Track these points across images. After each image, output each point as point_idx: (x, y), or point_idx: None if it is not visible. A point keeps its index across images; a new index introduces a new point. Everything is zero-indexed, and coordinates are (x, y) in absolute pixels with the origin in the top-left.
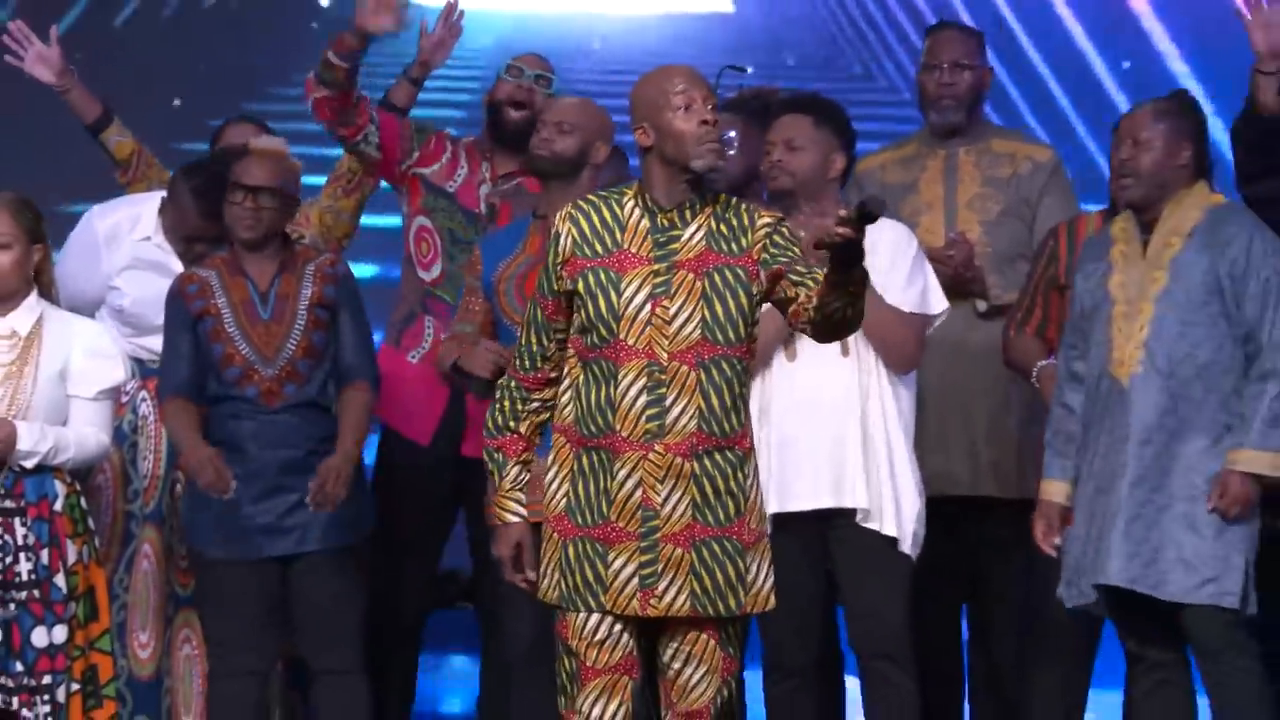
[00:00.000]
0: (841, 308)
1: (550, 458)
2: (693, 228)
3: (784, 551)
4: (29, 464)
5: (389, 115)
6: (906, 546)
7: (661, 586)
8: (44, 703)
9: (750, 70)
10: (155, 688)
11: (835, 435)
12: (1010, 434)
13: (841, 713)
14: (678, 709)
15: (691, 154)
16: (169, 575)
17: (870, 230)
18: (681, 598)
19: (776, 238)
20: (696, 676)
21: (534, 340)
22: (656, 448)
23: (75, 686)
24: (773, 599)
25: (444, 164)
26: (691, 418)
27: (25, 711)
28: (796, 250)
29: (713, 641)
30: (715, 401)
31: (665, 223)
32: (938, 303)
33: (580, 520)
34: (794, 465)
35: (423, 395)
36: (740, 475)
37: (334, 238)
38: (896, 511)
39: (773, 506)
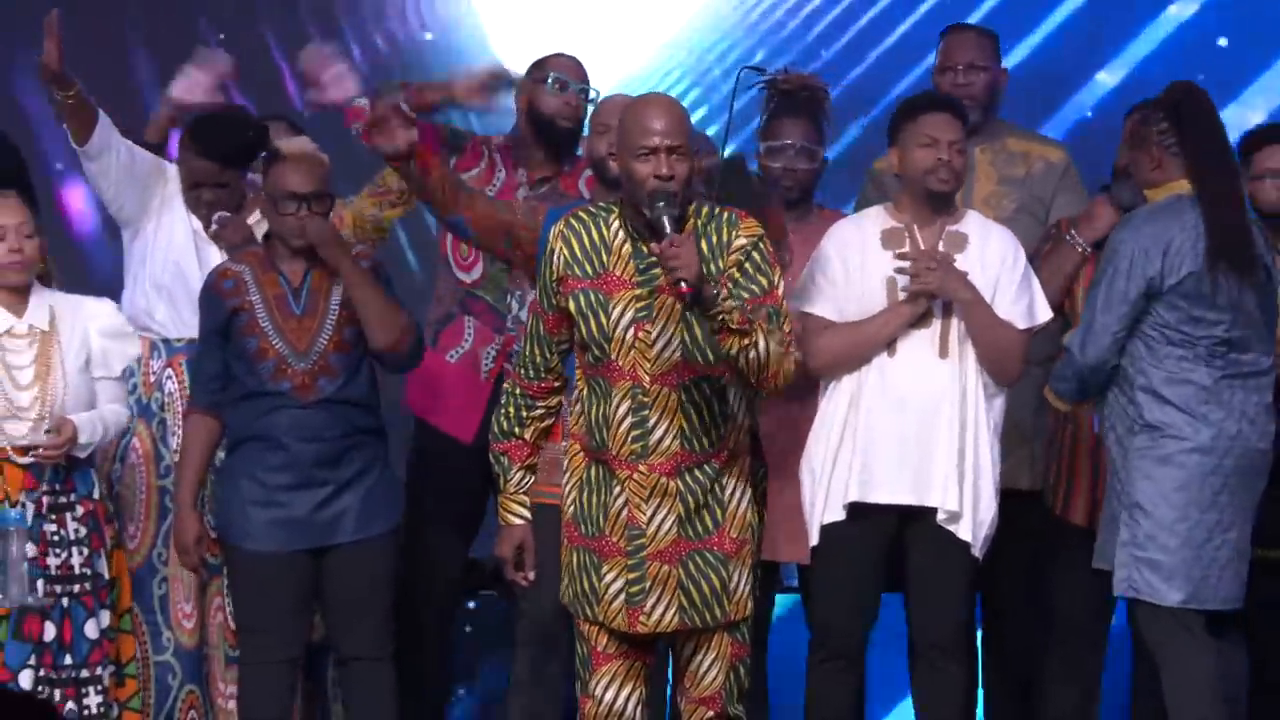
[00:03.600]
0: (729, 350)
1: (566, 462)
2: None
3: (853, 538)
4: (84, 454)
5: (425, 124)
6: (977, 550)
7: (650, 604)
8: (97, 692)
9: (767, 70)
10: (199, 657)
11: (925, 435)
12: (1023, 426)
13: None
14: (690, 694)
15: (642, 203)
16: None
17: (980, 235)
18: (670, 613)
19: (748, 265)
20: (706, 664)
21: (536, 352)
22: (641, 467)
23: (113, 669)
24: (750, 604)
25: (482, 169)
26: (674, 438)
27: (70, 705)
28: (756, 286)
29: (720, 630)
30: (696, 420)
31: (645, 248)
32: (1043, 312)
33: (582, 530)
34: (880, 459)
35: (464, 394)
36: (718, 487)
37: (367, 238)
38: (974, 517)
39: (852, 494)
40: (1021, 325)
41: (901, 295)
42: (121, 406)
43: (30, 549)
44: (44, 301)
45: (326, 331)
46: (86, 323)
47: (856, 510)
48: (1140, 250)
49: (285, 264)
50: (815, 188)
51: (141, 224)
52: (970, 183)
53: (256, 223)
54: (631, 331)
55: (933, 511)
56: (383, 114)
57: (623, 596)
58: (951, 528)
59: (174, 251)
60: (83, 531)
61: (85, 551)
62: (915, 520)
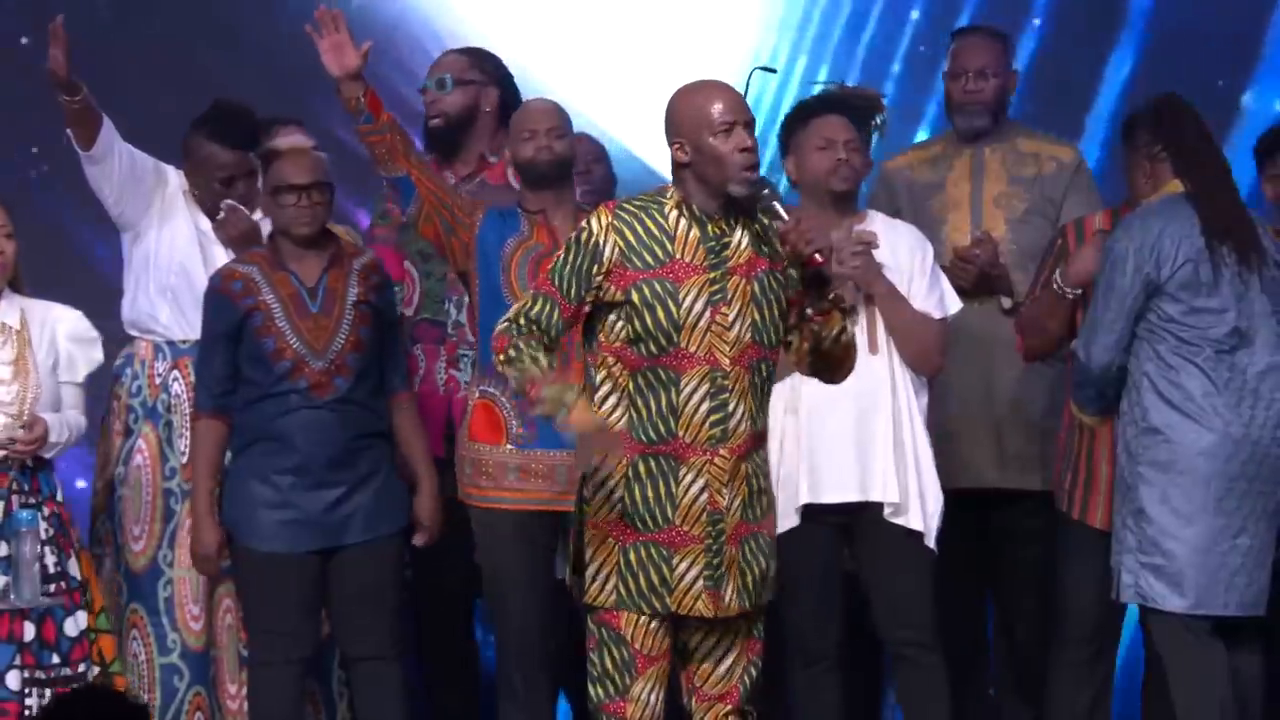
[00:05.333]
0: (828, 332)
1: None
2: (739, 232)
3: (808, 541)
4: (51, 455)
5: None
6: (930, 540)
7: (725, 587)
8: None
9: (777, 71)
10: (206, 659)
11: (865, 431)
12: (1033, 428)
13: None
14: (705, 692)
15: (731, 179)
16: None
17: (888, 234)
18: (735, 595)
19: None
20: (729, 660)
21: (534, 328)
22: (721, 452)
23: (95, 669)
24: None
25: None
26: (746, 420)
27: None
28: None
29: (745, 624)
30: (758, 402)
31: (715, 231)
32: (953, 303)
33: (642, 525)
34: (824, 459)
35: (431, 414)
36: (765, 472)
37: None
38: (923, 507)
39: (803, 497)
40: (936, 315)
41: None
42: (80, 414)
43: (3, 547)
44: (14, 303)
45: (344, 330)
46: (55, 325)
47: (807, 513)
48: (1136, 247)
49: (294, 263)
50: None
51: (142, 227)
52: (980, 183)
53: (260, 220)
54: (708, 315)
55: (879, 507)
56: (338, 38)
57: (701, 582)
58: (900, 520)
59: (178, 254)
60: (51, 531)
61: (56, 552)
62: (862, 518)
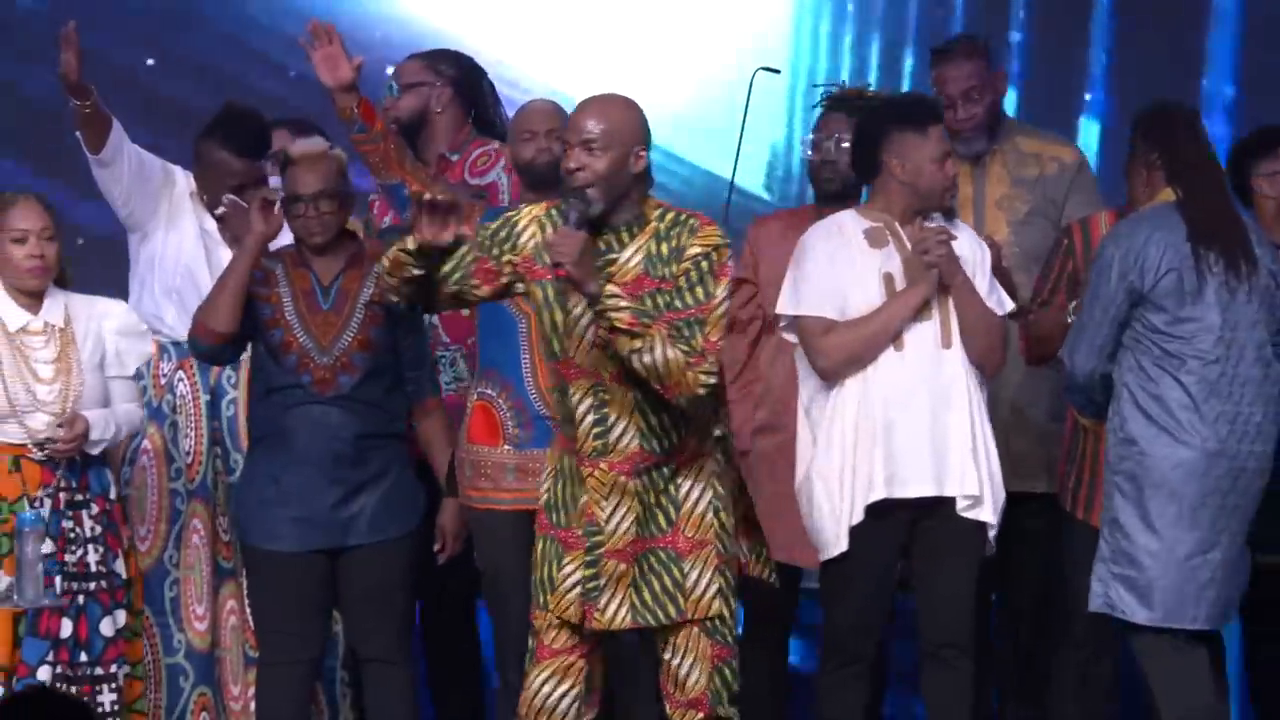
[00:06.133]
0: (621, 351)
1: (550, 452)
2: (630, 249)
3: (872, 539)
4: (95, 451)
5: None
6: (992, 535)
7: (603, 601)
8: (111, 690)
9: (781, 72)
10: (211, 658)
11: (939, 424)
12: (1038, 430)
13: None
14: (676, 699)
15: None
16: (214, 548)
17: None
18: (623, 611)
19: (692, 274)
20: (687, 666)
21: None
22: (602, 464)
23: (127, 669)
24: (716, 603)
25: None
26: (634, 437)
27: (84, 700)
28: (690, 297)
29: (697, 631)
30: (655, 421)
31: (604, 245)
32: (1009, 303)
33: (552, 518)
34: (902, 453)
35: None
36: (674, 487)
37: None
38: (993, 500)
39: (878, 493)
40: (998, 313)
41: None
42: (135, 406)
43: (48, 545)
44: (59, 300)
45: (352, 329)
46: (100, 321)
47: (876, 510)
48: (1121, 254)
49: (315, 261)
50: (860, 187)
51: (150, 229)
52: (982, 186)
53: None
54: (592, 331)
55: (946, 502)
56: (331, 51)
57: (577, 590)
58: (973, 514)
59: (185, 255)
60: (98, 530)
61: (101, 550)
62: (928, 514)
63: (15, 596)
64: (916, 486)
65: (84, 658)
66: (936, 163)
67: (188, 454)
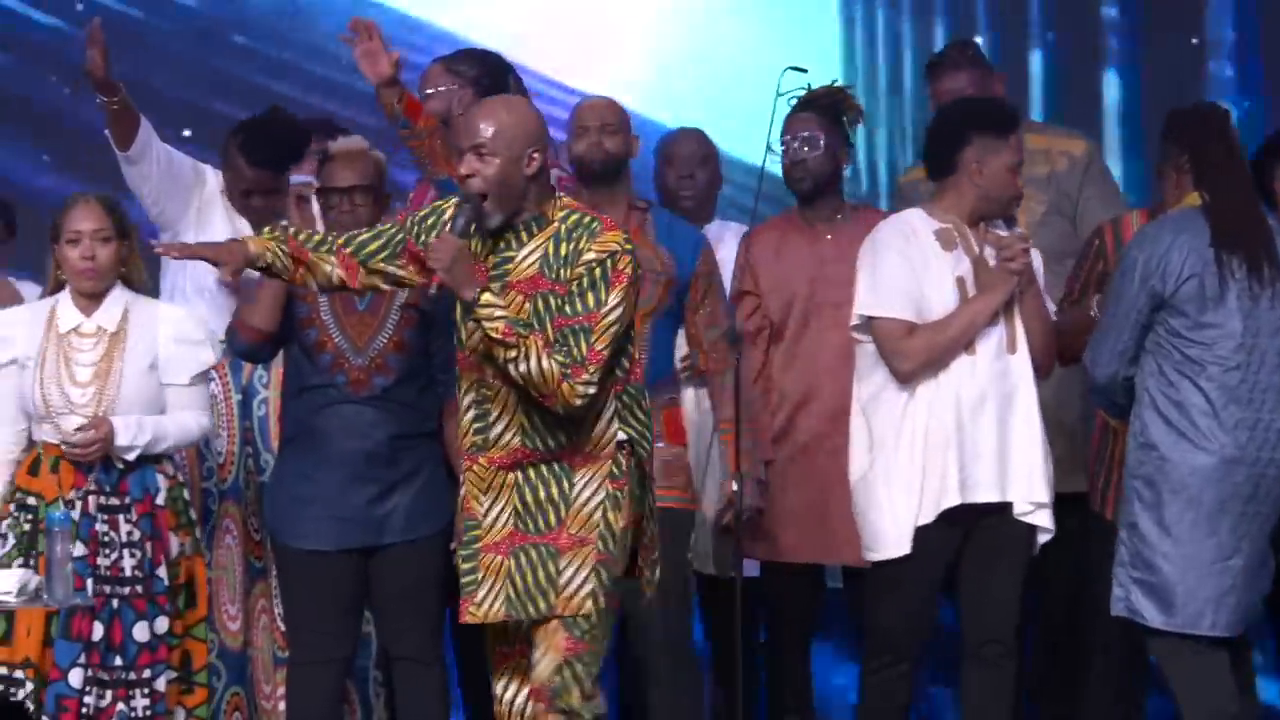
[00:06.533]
0: (496, 358)
1: None
2: (528, 249)
3: (934, 542)
4: (129, 457)
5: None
6: (1044, 539)
7: (480, 594)
8: (143, 695)
9: (808, 71)
10: (244, 659)
11: (1005, 431)
12: (1068, 429)
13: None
14: (533, 688)
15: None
16: (246, 548)
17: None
18: (498, 604)
19: (584, 280)
20: (537, 654)
21: (369, 237)
22: (480, 460)
23: (173, 675)
24: (588, 604)
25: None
26: (514, 434)
27: (120, 705)
28: (581, 304)
29: (556, 623)
30: (538, 419)
31: (501, 243)
32: (1053, 308)
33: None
34: (975, 459)
35: None
36: (564, 486)
37: None
38: (1050, 506)
39: (952, 499)
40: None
41: (972, 293)
42: (195, 414)
43: (79, 548)
44: (119, 302)
45: (387, 330)
46: (157, 327)
47: (947, 514)
48: (1145, 258)
49: None
50: (836, 184)
51: (180, 228)
52: None
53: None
54: (476, 335)
55: (1006, 507)
56: (371, 46)
57: (462, 579)
58: (1034, 519)
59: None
60: (136, 535)
61: (138, 555)
62: (987, 517)
63: (45, 596)
64: (985, 491)
65: (117, 661)
66: (1012, 171)
67: (220, 454)
